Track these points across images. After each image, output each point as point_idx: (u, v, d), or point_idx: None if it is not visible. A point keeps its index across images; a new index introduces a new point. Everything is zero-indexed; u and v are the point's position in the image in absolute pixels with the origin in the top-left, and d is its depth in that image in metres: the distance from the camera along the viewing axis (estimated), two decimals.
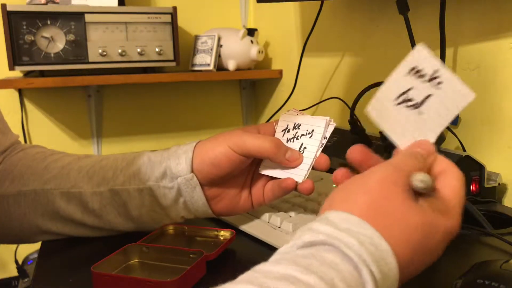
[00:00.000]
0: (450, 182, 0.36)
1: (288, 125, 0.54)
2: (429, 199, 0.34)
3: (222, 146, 0.50)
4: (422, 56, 0.40)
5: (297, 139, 0.52)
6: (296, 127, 0.53)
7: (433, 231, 0.32)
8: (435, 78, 0.38)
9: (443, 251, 0.35)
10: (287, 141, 0.53)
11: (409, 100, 0.39)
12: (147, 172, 0.53)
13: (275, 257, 0.30)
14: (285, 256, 0.29)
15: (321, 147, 0.52)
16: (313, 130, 0.52)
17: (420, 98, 0.39)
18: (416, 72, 0.40)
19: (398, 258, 0.30)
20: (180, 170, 0.51)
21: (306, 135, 0.52)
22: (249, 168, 0.54)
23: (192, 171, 0.51)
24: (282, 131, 0.54)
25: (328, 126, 0.52)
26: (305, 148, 0.52)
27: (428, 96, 0.38)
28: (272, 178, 0.54)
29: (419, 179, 0.32)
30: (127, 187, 0.53)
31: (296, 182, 0.51)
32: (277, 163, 0.52)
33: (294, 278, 0.26)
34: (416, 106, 0.39)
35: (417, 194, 0.34)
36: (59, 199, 0.53)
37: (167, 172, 0.52)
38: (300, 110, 0.57)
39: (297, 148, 0.52)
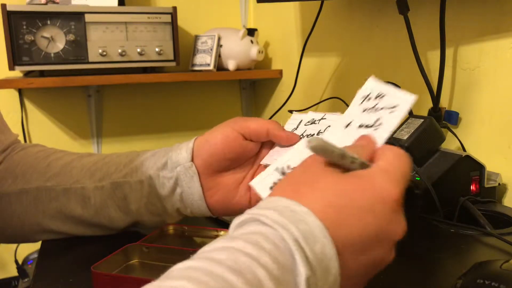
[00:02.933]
0: (384, 156, 0.36)
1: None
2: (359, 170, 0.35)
3: (226, 129, 0.51)
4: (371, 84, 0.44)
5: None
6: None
7: (357, 187, 0.32)
8: (379, 96, 0.42)
9: (399, 222, 0.33)
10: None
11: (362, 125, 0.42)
12: (149, 165, 0.53)
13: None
14: (216, 239, 0.31)
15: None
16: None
17: (371, 120, 0.41)
18: (366, 98, 0.43)
19: (318, 213, 0.30)
20: (180, 159, 0.52)
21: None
22: (249, 166, 0.54)
23: (192, 159, 0.52)
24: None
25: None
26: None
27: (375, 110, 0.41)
28: None
29: (307, 140, 0.32)
30: (129, 180, 0.53)
31: None
32: (283, 149, 0.51)
33: (223, 246, 0.28)
34: (368, 126, 0.41)
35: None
36: (61, 195, 0.54)
37: (168, 162, 0.53)
38: (300, 111, 0.57)
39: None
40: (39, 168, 0.56)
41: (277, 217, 0.30)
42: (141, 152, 0.56)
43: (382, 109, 0.41)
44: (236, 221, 0.32)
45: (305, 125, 0.53)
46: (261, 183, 0.43)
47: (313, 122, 0.54)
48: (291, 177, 0.35)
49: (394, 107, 0.40)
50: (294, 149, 0.45)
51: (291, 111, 1.06)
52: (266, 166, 0.52)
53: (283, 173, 0.43)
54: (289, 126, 0.54)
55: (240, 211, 0.54)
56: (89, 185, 0.54)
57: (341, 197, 0.32)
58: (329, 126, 0.50)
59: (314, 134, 0.52)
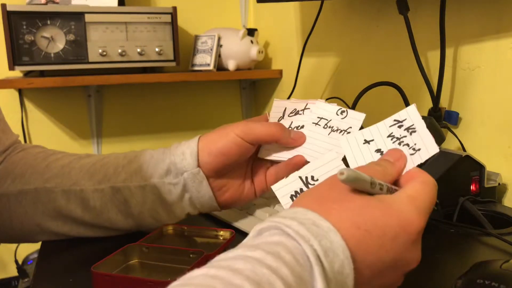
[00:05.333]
0: (417, 183, 0.36)
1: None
2: (388, 194, 0.35)
3: (230, 135, 0.51)
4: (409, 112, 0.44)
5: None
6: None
7: (384, 214, 0.33)
8: (410, 129, 0.42)
9: (416, 252, 0.34)
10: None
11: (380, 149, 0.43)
12: (149, 169, 0.53)
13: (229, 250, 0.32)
14: (237, 246, 0.31)
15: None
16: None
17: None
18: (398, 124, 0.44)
19: (344, 235, 0.31)
20: (186, 165, 0.52)
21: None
22: (249, 158, 0.55)
23: (198, 165, 0.51)
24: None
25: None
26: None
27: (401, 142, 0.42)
28: (273, 163, 0.55)
29: (340, 171, 0.33)
30: (128, 184, 0.53)
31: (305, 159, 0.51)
32: (281, 145, 0.52)
33: (243, 256, 0.28)
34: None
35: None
36: (60, 197, 0.54)
37: (172, 168, 0.52)
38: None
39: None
40: (38, 168, 0.56)
41: (300, 229, 0.30)
42: (138, 153, 0.55)
43: (405, 145, 0.41)
44: (257, 227, 0.32)
45: (289, 116, 0.54)
46: (283, 189, 0.43)
47: (296, 112, 0.54)
48: (317, 191, 0.35)
49: (417, 150, 0.40)
50: (320, 160, 0.45)
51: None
52: (266, 158, 0.54)
53: (307, 183, 0.43)
54: (274, 115, 0.55)
55: (248, 202, 0.56)
56: (88, 187, 0.53)
57: (368, 221, 0.32)
58: (348, 130, 0.50)
59: (303, 126, 0.53)
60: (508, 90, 0.73)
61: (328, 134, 0.51)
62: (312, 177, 0.43)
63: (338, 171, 0.33)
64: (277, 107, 0.56)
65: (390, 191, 0.36)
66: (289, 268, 0.28)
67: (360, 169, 0.36)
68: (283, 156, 0.53)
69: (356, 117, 0.51)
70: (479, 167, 0.68)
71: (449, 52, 0.81)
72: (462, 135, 0.79)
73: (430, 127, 0.67)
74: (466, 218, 0.61)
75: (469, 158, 0.67)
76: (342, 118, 0.52)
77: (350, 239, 0.31)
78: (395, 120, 0.44)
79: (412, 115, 0.43)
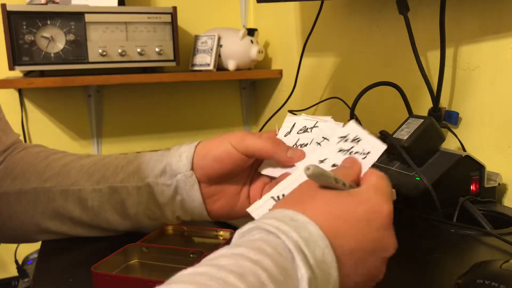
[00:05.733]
0: (373, 177, 0.40)
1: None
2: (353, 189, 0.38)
3: (224, 143, 0.50)
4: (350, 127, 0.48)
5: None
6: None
7: (352, 202, 0.35)
8: (356, 140, 0.46)
9: (390, 237, 0.36)
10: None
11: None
12: (147, 170, 0.53)
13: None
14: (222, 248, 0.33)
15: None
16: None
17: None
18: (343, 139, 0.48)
19: (321, 224, 0.33)
20: (181, 167, 0.51)
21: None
22: (248, 171, 0.54)
23: (192, 168, 0.51)
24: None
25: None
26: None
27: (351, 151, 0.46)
28: (272, 178, 0.53)
29: (306, 167, 0.35)
30: (126, 185, 0.53)
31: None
32: (278, 162, 0.51)
33: (227, 253, 0.30)
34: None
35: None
36: (59, 196, 0.54)
37: (167, 169, 0.52)
38: (298, 111, 0.57)
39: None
40: (38, 168, 0.56)
41: (279, 224, 0.32)
42: (138, 154, 0.55)
43: (356, 153, 0.45)
44: (240, 230, 0.34)
45: (297, 133, 0.54)
46: (258, 211, 0.45)
47: (305, 130, 0.54)
48: (290, 196, 0.38)
49: (368, 153, 0.44)
50: (288, 179, 0.46)
51: (291, 111, 1.06)
52: (262, 173, 0.54)
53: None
54: (283, 129, 0.55)
55: (242, 217, 0.55)
56: (87, 187, 0.53)
57: (340, 209, 0.35)
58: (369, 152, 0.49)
59: (306, 145, 0.53)
60: (508, 90, 0.73)
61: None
62: (283, 195, 0.45)
63: (305, 167, 0.35)
64: (287, 122, 0.55)
65: (351, 188, 0.39)
66: (271, 260, 0.29)
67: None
68: (277, 173, 0.52)
69: (375, 145, 0.50)
70: (479, 167, 0.68)
71: (449, 52, 0.81)
72: (462, 135, 0.79)
73: (430, 127, 0.67)
74: (466, 218, 0.61)
75: (469, 158, 0.67)
76: (356, 142, 0.52)
77: (327, 229, 0.33)
78: (340, 137, 0.48)
79: (353, 129, 0.47)
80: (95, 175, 0.54)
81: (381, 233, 0.35)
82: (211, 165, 0.51)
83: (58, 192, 0.54)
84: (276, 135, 0.54)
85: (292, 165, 0.51)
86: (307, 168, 0.35)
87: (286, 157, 0.50)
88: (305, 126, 0.54)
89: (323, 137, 0.52)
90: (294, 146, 0.52)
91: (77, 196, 0.53)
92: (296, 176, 0.46)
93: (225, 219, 0.56)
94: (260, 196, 0.54)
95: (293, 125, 0.54)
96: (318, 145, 0.52)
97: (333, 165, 0.46)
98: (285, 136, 0.54)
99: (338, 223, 0.33)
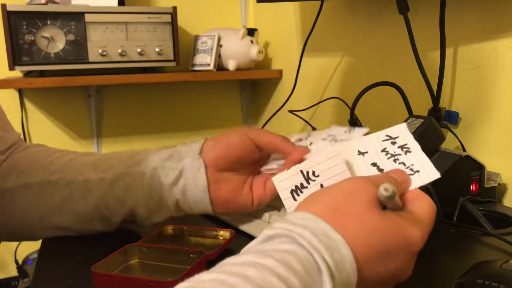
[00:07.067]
0: (422, 204, 0.38)
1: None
2: (397, 212, 0.36)
3: (239, 134, 0.54)
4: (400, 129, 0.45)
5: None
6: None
7: (395, 235, 0.34)
8: (405, 149, 0.44)
9: (410, 268, 0.36)
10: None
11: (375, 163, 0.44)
12: (153, 158, 0.54)
13: (238, 254, 0.32)
14: (247, 250, 0.32)
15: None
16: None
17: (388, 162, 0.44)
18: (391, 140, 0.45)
19: (355, 253, 0.32)
20: (189, 151, 0.53)
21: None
22: (254, 166, 0.56)
23: (200, 153, 0.53)
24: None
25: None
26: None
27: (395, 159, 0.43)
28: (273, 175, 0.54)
29: (384, 188, 0.34)
30: (131, 170, 0.54)
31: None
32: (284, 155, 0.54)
33: (254, 263, 0.28)
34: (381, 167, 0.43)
35: (385, 208, 0.36)
36: (64, 188, 0.54)
37: (175, 154, 0.54)
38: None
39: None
40: (43, 163, 0.56)
41: (313, 239, 0.31)
42: (142, 150, 0.56)
43: (400, 163, 0.42)
44: (268, 232, 0.33)
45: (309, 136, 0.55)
46: (284, 182, 0.43)
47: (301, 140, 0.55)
48: (331, 199, 0.35)
49: (416, 171, 0.41)
50: (321, 156, 0.44)
51: (291, 111, 1.06)
52: (265, 171, 0.55)
53: (308, 178, 0.43)
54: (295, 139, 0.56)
55: (242, 209, 0.55)
56: (92, 176, 0.54)
57: (379, 243, 0.33)
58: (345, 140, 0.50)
59: (311, 143, 0.53)
60: (508, 90, 0.73)
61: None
62: (314, 173, 0.43)
63: (382, 187, 0.34)
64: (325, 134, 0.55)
65: (397, 208, 0.37)
66: (299, 279, 0.28)
67: (373, 177, 0.37)
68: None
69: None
70: (479, 167, 0.68)
71: (449, 52, 0.81)
72: (462, 135, 0.79)
73: (430, 127, 0.67)
74: (466, 218, 0.61)
75: (469, 158, 0.67)
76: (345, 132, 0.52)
77: (360, 256, 0.32)
78: (387, 136, 0.45)
79: (404, 133, 0.45)
80: (100, 166, 0.55)
81: (405, 266, 0.35)
82: (223, 148, 0.53)
83: (63, 184, 0.54)
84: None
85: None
86: (386, 189, 0.33)
87: (293, 149, 0.53)
88: (300, 139, 0.56)
89: (329, 135, 0.53)
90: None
91: (82, 186, 0.54)
92: (330, 156, 0.43)
93: (224, 211, 0.56)
94: (263, 189, 0.54)
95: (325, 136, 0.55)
96: (323, 141, 0.52)
97: (373, 164, 0.43)
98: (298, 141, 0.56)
99: (371, 255, 0.33)
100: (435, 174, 0.41)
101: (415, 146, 0.43)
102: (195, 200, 0.54)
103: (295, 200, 0.42)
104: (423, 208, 0.37)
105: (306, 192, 0.42)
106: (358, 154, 0.45)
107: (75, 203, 0.54)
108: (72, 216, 0.55)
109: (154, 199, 0.54)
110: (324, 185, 0.42)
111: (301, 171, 0.43)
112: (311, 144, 0.54)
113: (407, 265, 0.35)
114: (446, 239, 0.57)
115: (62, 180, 0.54)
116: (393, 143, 0.44)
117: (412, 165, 0.42)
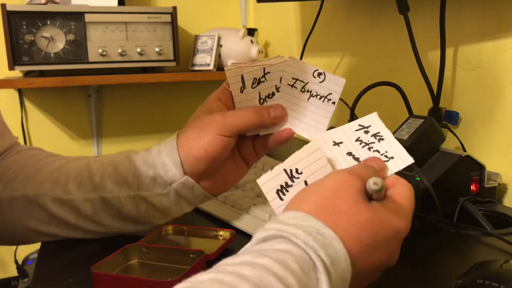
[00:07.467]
0: (400, 190, 0.39)
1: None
2: (382, 202, 0.37)
3: (210, 135, 0.48)
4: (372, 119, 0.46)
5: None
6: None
7: (383, 228, 0.35)
8: (378, 137, 0.45)
9: (397, 253, 0.37)
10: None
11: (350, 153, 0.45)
12: (135, 180, 0.51)
13: (235, 255, 0.32)
14: (243, 252, 0.32)
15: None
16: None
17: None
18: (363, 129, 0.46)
19: (348, 248, 0.33)
20: (172, 176, 0.50)
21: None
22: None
23: (184, 172, 0.49)
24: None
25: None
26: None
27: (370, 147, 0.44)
28: (257, 135, 0.52)
29: (373, 182, 0.35)
30: (117, 195, 0.52)
31: (294, 132, 0.50)
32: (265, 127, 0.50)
33: (251, 262, 0.29)
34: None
35: (371, 198, 0.37)
36: (51, 204, 0.53)
37: (158, 180, 0.51)
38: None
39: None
40: (29, 173, 0.55)
41: (307, 238, 0.31)
42: (122, 159, 0.53)
43: (375, 151, 0.43)
44: (260, 234, 0.33)
45: (252, 87, 0.50)
46: (268, 184, 0.43)
47: (258, 81, 0.50)
48: (320, 195, 0.36)
49: (391, 158, 0.42)
50: (302, 151, 0.43)
51: None
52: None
53: (292, 177, 0.43)
54: (234, 86, 0.51)
55: (239, 180, 0.55)
56: (78, 196, 0.53)
57: (369, 236, 0.34)
58: (328, 97, 0.51)
59: (273, 94, 0.51)
60: (508, 90, 0.73)
61: (308, 99, 0.49)
62: (297, 170, 0.42)
63: (372, 181, 0.35)
64: (231, 76, 0.50)
65: (380, 197, 0.38)
66: (295, 278, 0.28)
67: (355, 169, 0.38)
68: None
69: (336, 82, 0.50)
70: (479, 167, 0.68)
71: (449, 52, 0.81)
72: (462, 135, 0.79)
73: (430, 127, 0.67)
74: (466, 218, 0.61)
75: (469, 158, 0.67)
76: (320, 82, 0.50)
77: (353, 251, 0.33)
78: (359, 125, 0.46)
79: (376, 122, 0.45)
80: (83, 183, 0.53)
81: (393, 253, 0.36)
82: (203, 164, 0.49)
83: (50, 200, 0.53)
84: (226, 89, 0.52)
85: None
86: (375, 183, 0.35)
87: (271, 119, 0.50)
88: (255, 78, 0.50)
89: (293, 78, 0.50)
90: (261, 101, 0.50)
91: (70, 205, 0.53)
92: (311, 151, 0.43)
93: (227, 189, 0.55)
94: (255, 153, 0.53)
95: (242, 78, 0.50)
96: (293, 88, 0.50)
97: (348, 153, 0.44)
98: (242, 92, 0.51)
99: (363, 248, 0.34)
100: (408, 160, 0.42)
101: (387, 133, 0.44)
102: (200, 201, 0.53)
103: (282, 200, 0.42)
104: (403, 195, 0.38)
105: (291, 191, 0.42)
106: (334, 145, 0.45)
107: (67, 218, 0.53)
108: (66, 229, 0.54)
109: (156, 217, 0.53)
110: (308, 182, 0.42)
111: (285, 170, 0.43)
112: (274, 94, 0.51)
113: (395, 252, 0.37)
114: (446, 239, 0.57)
115: (48, 196, 0.53)
116: (366, 132, 0.45)
117: (386, 152, 0.43)
